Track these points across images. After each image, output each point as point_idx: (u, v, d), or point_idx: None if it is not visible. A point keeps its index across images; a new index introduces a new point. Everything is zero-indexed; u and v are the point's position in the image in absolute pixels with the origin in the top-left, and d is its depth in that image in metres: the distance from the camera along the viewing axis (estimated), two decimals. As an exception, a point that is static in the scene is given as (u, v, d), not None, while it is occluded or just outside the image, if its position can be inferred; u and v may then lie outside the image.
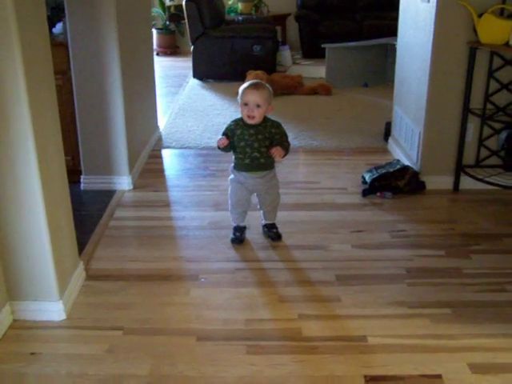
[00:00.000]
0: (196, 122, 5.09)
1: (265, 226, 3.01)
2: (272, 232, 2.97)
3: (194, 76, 6.74)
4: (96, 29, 3.25)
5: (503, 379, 1.98)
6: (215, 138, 3.90)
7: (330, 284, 2.56)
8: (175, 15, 8.51)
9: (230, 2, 8.09)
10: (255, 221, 3.05)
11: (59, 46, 3.32)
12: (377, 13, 8.03)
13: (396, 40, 4.29)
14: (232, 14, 7.92)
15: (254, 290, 2.52)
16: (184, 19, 7.26)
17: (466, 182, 3.52)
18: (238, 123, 2.75)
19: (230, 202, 2.91)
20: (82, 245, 2.75)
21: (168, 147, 4.43)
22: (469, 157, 3.53)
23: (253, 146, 2.73)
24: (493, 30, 3.12)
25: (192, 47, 6.69)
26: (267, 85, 2.75)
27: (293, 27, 8.36)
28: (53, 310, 2.29)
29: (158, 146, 4.45)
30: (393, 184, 3.48)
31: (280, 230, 3.00)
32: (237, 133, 2.74)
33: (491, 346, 2.15)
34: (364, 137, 4.63)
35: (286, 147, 2.75)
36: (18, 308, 2.29)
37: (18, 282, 2.26)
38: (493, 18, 3.12)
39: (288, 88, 6.00)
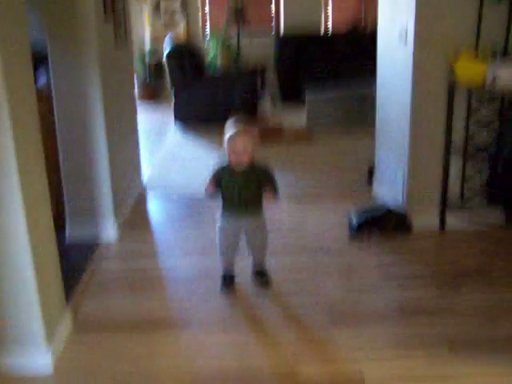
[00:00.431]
0: (180, 169, 5.11)
1: (254, 273, 2.96)
2: (261, 279, 2.92)
3: (176, 125, 6.80)
4: (79, 77, 3.27)
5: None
6: (199, 184, 3.87)
7: (323, 327, 2.52)
8: (156, 72, 8.61)
9: (209, 58, 8.21)
10: (244, 269, 2.99)
11: (43, 98, 3.32)
12: (355, 59, 8.18)
13: (372, 89, 4.37)
14: (212, 67, 8.04)
15: (246, 336, 2.47)
16: (165, 76, 7.37)
17: (453, 221, 3.53)
18: (225, 168, 2.74)
19: (218, 247, 2.88)
20: (68, 294, 2.69)
21: (153, 196, 4.42)
22: (454, 195, 3.56)
23: (241, 190, 2.72)
24: (469, 73, 3.19)
25: (174, 99, 6.76)
26: (251, 128, 2.76)
27: (272, 76, 8.50)
28: (40, 361, 2.22)
29: (143, 194, 4.42)
30: (379, 226, 3.48)
31: (269, 275, 2.95)
32: (224, 177, 2.73)
33: (491, 383, 2.12)
34: (348, 181, 4.65)
35: (275, 191, 2.76)
36: (3, 361, 2.21)
37: (4, 333, 2.20)
38: (468, 63, 3.19)
39: (269, 136, 6.04)
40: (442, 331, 2.46)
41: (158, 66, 8.36)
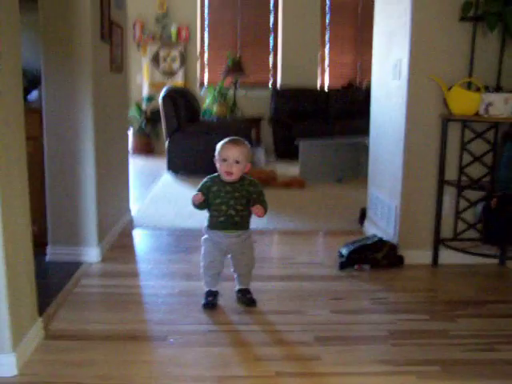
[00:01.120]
0: (169, 207, 5.02)
1: (239, 291, 2.85)
2: (246, 297, 2.81)
3: (169, 169, 6.74)
4: (71, 96, 3.24)
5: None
6: (187, 220, 3.81)
7: (308, 344, 2.39)
8: (151, 119, 8.68)
9: (205, 106, 8.29)
10: (228, 289, 2.88)
11: (33, 113, 3.28)
12: (347, 118, 8.29)
13: (367, 139, 4.36)
14: (207, 115, 8.09)
15: (227, 350, 2.33)
16: (159, 122, 7.40)
17: (445, 256, 3.43)
18: (215, 180, 2.68)
19: (202, 263, 2.77)
20: (43, 305, 2.56)
21: (140, 227, 4.31)
22: (446, 230, 3.48)
23: (229, 204, 2.64)
24: (462, 102, 3.18)
25: (167, 142, 6.75)
26: (246, 142, 2.71)
27: (266, 130, 8.56)
28: (4, 363, 2.07)
29: (130, 226, 4.32)
30: (370, 256, 3.38)
31: (255, 297, 2.83)
32: (213, 189, 2.66)
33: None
34: (339, 221, 4.57)
35: (264, 206, 2.68)
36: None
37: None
38: (461, 91, 3.20)
39: (262, 181, 5.98)
40: (434, 352, 2.33)
41: (155, 114, 8.42)
